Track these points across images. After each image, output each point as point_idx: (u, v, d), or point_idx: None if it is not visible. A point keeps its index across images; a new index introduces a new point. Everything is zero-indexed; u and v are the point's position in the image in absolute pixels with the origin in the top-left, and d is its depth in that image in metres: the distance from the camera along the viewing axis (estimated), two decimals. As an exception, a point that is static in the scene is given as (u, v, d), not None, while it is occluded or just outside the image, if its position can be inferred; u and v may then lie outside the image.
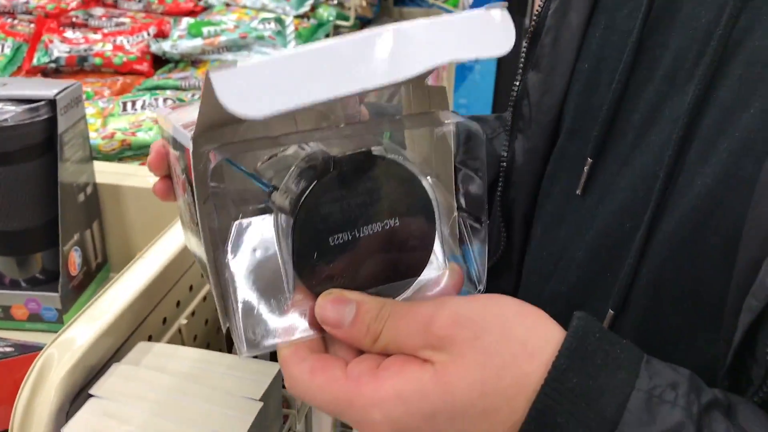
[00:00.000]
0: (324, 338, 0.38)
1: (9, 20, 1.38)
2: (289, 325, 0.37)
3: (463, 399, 0.34)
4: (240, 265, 0.37)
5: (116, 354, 0.57)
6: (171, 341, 0.64)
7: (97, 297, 0.59)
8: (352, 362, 0.36)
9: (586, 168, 0.53)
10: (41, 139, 0.70)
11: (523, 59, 0.61)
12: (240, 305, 0.37)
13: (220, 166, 0.36)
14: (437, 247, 0.39)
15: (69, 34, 1.30)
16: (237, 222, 0.38)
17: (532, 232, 0.61)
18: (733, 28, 0.43)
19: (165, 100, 1.03)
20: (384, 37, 0.32)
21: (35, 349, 0.63)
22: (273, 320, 0.37)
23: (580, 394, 0.34)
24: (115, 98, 1.06)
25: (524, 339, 0.35)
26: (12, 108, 0.68)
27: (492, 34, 0.35)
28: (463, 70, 2.01)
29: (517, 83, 0.62)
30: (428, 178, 0.39)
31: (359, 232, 0.37)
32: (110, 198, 0.83)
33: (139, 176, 0.85)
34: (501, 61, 2.03)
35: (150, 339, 0.62)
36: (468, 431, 0.35)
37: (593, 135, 0.52)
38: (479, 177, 0.41)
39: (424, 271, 0.39)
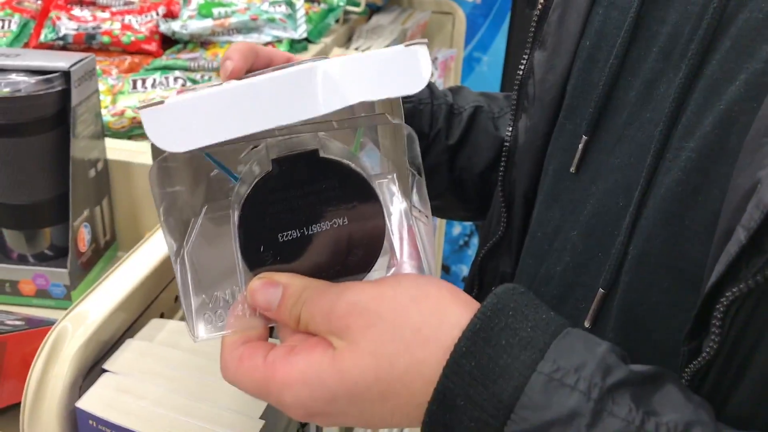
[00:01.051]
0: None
1: (16, -4, 1.36)
2: (239, 314, 0.39)
3: (358, 384, 0.36)
4: (198, 257, 0.39)
5: (129, 330, 0.56)
6: (183, 319, 0.63)
7: (110, 272, 0.58)
8: (273, 348, 0.38)
9: (580, 145, 0.52)
10: (54, 111, 0.69)
11: (530, 39, 0.61)
12: (194, 296, 0.39)
13: (192, 158, 0.38)
14: (388, 242, 0.41)
15: (77, 11, 1.28)
16: (198, 217, 0.39)
17: (532, 213, 0.60)
18: (728, 1, 0.43)
19: (176, 79, 1.01)
20: (303, 76, 0.35)
21: (46, 323, 0.62)
22: (226, 310, 0.40)
23: (478, 376, 0.35)
24: (125, 76, 1.05)
25: (418, 326, 0.36)
26: (25, 79, 0.67)
27: (409, 72, 0.37)
28: (470, 61, 2.00)
29: (524, 62, 0.61)
30: (387, 176, 0.42)
31: (307, 230, 0.39)
32: (120, 175, 0.82)
33: (150, 154, 0.84)
34: (509, 52, 2.02)
35: (162, 316, 0.61)
36: (370, 412, 0.37)
37: (588, 112, 0.52)
38: (419, 175, 0.43)
39: (383, 263, 0.41)
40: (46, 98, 0.67)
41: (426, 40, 0.37)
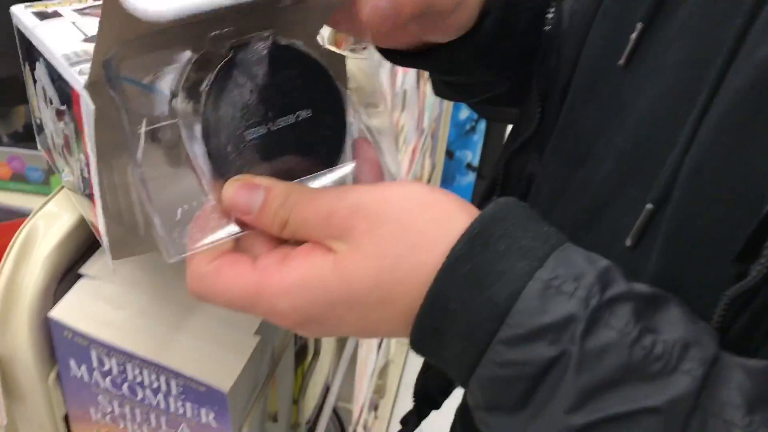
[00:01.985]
0: (237, 241, 0.38)
1: None
2: (207, 226, 0.36)
3: (360, 289, 0.35)
4: (151, 173, 0.36)
5: (110, 228, 0.51)
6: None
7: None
8: (260, 257, 0.36)
9: (633, 34, 0.45)
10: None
11: None
12: (158, 213, 0.36)
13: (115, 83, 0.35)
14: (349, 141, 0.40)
15: None
16: (140, 131, 0.36)
17: (563, 108, 0.53)
18: None
19: None
20: None
21: (19, 215, 0.56)
22: (191, 224, 0.37)
23: (473, 280, 0.34)
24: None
25: (424, 230, 0.35)
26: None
27: None
28: None
29: None
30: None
31: (274, 124, 0.37)
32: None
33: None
34: None
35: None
36: (368, 319, 0.36)
37: None
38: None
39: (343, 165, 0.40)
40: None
41: None
